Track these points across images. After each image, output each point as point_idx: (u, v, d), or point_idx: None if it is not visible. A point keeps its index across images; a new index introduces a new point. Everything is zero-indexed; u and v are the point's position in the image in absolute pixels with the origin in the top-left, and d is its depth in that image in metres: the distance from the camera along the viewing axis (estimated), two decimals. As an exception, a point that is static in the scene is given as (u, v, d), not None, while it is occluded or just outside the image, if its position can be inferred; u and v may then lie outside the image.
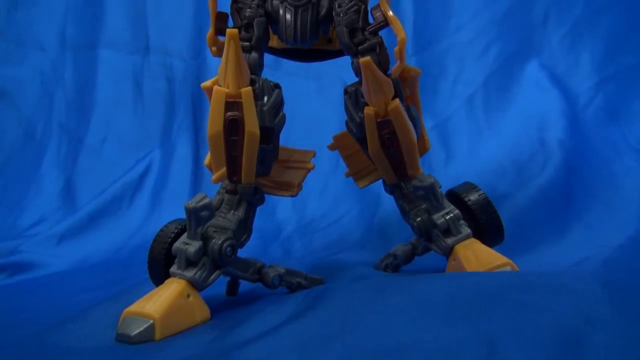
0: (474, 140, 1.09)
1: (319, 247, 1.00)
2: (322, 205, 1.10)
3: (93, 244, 1.00)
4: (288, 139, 1.01)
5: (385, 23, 0.55)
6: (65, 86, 1.26)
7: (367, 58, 0.52)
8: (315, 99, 1.14)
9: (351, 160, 0.67)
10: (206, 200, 0.54)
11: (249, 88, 0.54)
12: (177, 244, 0.54)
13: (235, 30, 0.52)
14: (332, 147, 0.67)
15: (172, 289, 0.52)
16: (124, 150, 1.21)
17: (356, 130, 0.59)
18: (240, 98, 0.53)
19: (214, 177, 0.58)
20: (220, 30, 0.58)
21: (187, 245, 0.53)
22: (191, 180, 1.17)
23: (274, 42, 0.64)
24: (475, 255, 0.55)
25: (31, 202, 1.15)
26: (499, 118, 1.10)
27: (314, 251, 0.97)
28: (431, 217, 0.58)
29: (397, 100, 0.55)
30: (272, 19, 0.58)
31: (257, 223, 0.64)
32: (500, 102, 1.11)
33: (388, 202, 0.69)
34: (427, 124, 1.07)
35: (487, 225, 0.60)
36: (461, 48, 1.16)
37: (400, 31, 0.53)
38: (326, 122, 1.14)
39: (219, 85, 0.54)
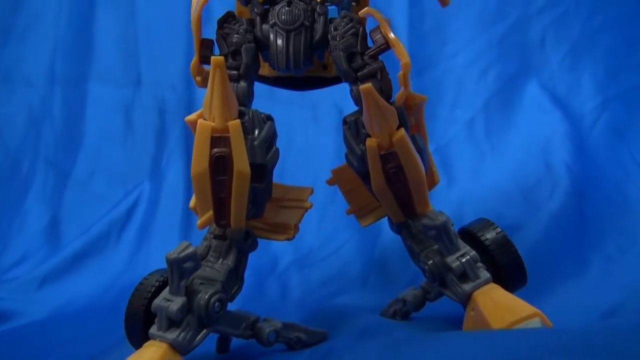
0: (476, 163, 1.01)
1: (317, 283, 0.91)
2: (319, 236, 1.01)
3: (76, 287, 0.91)
4: (282, 172, 0.94)
5: (387, 46, 0.49)
6: (54, 121, 1.19)
7: (368, 85, 0.45)
8: (311, 128, 1.07)
9: (352, 196, 0.59)
10: (190, 250, 0.46)
11: (237, 121, 0.46)
12: (158, 301, 0.46)
13: (221, 58, 0.46)
14: (330, 182, 0.60)
15: (150, 355, 0.44)
16: (111, 184, 1.13)
17: (357, 164, 0.52)
18: (228, 133, 0.46)
19: (199, 221, 0.50)
20: (205, 59, 0.50)
21: (169, 302, 0.45)
22: (182, 216, 1.09)
23: (265, 69, 0.57)
24: (498, 304, 0.47)
25: (14, 239, 1.06)
26: (501, 141, 1.03)
27: (313, 289, 0.88)
28: (445, 259, 0.50)
29: (403, 130, 0.48)
30: (262, 45, 0.52)
31: (251, 256, 0.56)
32: (501, 125, 1.04)
33: (389, 231, 0.63)
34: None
35: (507, 267, 0.53)
36: (458, 72, 1.10)
37: (404, 55, 0.47)
38: (323, 154, 1.08)
39: (204, 119, 0.48)
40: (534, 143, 1.01)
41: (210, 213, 0.49)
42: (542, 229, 0.78)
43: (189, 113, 1.15)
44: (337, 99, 1.03)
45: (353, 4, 0.56)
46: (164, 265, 0.48)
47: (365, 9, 0.48)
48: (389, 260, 0.91)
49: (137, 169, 1.16)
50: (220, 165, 0.46)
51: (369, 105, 0.46)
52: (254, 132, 0.49)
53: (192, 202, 0.52)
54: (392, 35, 0.47)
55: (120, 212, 1.09)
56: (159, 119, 1.19)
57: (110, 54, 1.20)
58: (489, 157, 1.00)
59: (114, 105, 1.19)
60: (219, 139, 0.46)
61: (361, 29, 0.49)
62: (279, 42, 0.49)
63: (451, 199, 0.94)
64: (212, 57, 0.45)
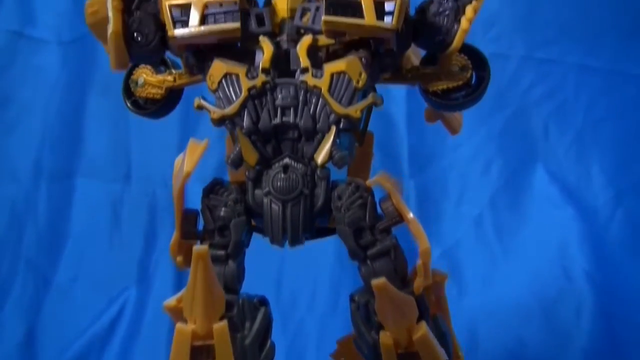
0: (487, 269, 0.91)
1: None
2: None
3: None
4: (280, 280, 0.83)
5: (399, 219, 0.41)
6: (37, 218, 1.09)
7: (381, 281, 0.35)
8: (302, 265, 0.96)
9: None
10: None
11: (224, 324, 0.36)
12: None
13: (205, 249, 0.37)
14: (336, 357, 0.51)
15: None
16: (95, 290, 1.01)
17: (368, 352, 0.42)
18: (212, 339, 0.38)
19: None
20: (187, 234, 0.41)
21: None
22: (169, 328, 0.98)
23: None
24: None
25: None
26: (513, 242, 0.94)
27: None
28: None
29: (424, 326, 0.37)
30: (254, 214, 0.45)
31: None
32: (511, 223, 0.95)
33: None
34: (433, 252, 0.92)
35: None
36: (461, 166, 1.02)
37: (423, 239, 0.37)
38: (322, 257, 1.00)
39: (184, 316, 0.39)
40: (548, 245, 0.91)
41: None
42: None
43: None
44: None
45: (356, 144, 0.49)
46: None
47: (374, 178, 0.41)
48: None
49: (123, 273, 1.05)
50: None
51: (384, 302, 0.37)
52: (244, 328, 0.39)
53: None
54: (410, 215, 0.38)
55: (102, 325, 0.97)
56: (148, 217, 1.10)
57: (99, 147, 1.13)
58: (501, 262, 0.90)
59: (102, 201, 1.10)
60: (200, 350, 0.37)
61: (369, 198, 0.41)
62: (274, 213, 0.41)
63: (463, 314, 0.84)
64: (194, 248, 0.37)
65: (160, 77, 0.50)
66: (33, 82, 1.14)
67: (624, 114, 1.03)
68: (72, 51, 1.15)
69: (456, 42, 0.44)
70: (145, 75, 0.50)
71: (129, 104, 0.52)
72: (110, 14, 0.43)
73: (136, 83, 0.51)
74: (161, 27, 0.43)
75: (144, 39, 0.43)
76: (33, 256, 1.06)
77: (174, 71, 0.50)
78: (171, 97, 0.51)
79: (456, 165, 0.99)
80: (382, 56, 0.43)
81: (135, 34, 0.43)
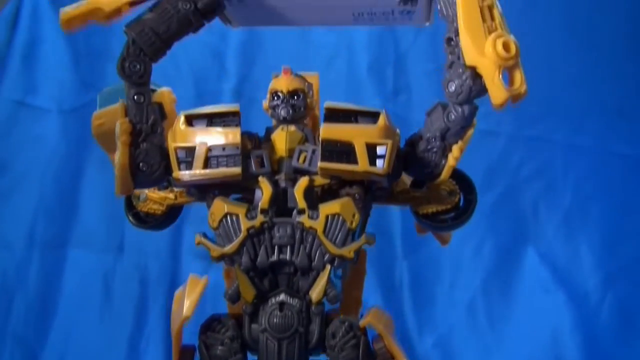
0: (481, 359, 0.93)
1: None
2: None
3: None
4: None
5: (391, 360, 0.43)
6: (27, 290, 1.09)
7: None
8: None
9: None
10: None
11: None
12: None
13: None
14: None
15: None
16: (84, 369, 1.02)
17: None
18: None
19: None
20: None
21: None
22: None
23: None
24: None
25: None
26: (505, 329, 0.94)
27: None
28: None
29: None
30: (251, 347, 0.46)
31: None
32: (504, 309, 0.96)
33: None
34: (427, 340, 0.92)
35: None
36: (454, 246, 1.04)
37: None
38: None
39: None
40: (540, 333, 0.92)
41: None
42: None
43: (173, 285, 1.09)
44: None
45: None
46: None
47: (367, 319, 0.43)
48: None
49: (113, 348, 1.04)
50: None
51: None
52: None
53: None
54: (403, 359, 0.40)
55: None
56: (140, 290, 1.09)
57: (94, 217, 1.14)
58: (494, 351, 0.91)
59: (93, 272, 1.10)
60: None
61: (363, 338, 0.43)
62: (270, 349, 0.42)
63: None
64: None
65: (162, 193, 0.53)
66: (31, 150, 1.16)
67: (611, 193, 1.06)
68: (71, 120, 1.18)
69: (444, 176, 0.47)
70: (147, 190, 0.53)
71: (130, 217, 0.54)
72: (118, 146, 0.46)
73: (138, 197, 0.54)
74: (166, 157, 0.46)
75: (149, 169, 0.46)
76: (21, 330, 1.05)
77: (175, 189, 0.53)
78: (171, 213, 0.54)
79: (449, 246, 1.01)
80: (374, 190, 0.46)
81: (141, 165, 0.46)
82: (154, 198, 0.53)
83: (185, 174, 0.43)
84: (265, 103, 0.48)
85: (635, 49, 1.11)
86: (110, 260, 1.10)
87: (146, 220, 0.54)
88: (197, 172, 0.43)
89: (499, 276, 0.98)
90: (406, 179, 0.53)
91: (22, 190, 1.16)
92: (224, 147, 0.43)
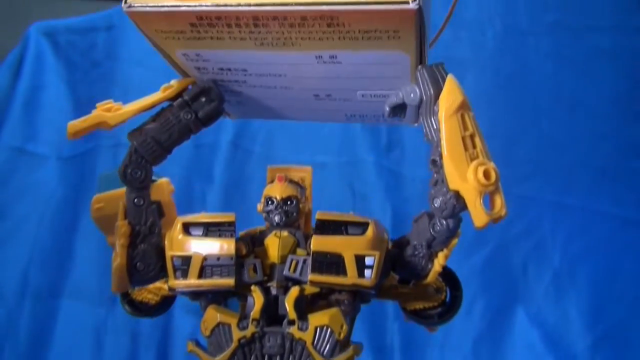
0: None
1: None
2: None
3: None
4: None
5: None
6: (18, 340, 1.09)
7: None
8: None
9: None
10: None
11: None
12: None
13: None
14: None
15: None
16: None
17: None
18: None
19: None
20: None
21: None
22: None
23: None
24: None
25: None
26: None
27: None
28: None
29: None
30: None
31: None
32: None
33: None
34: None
35: None
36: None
37: None
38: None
39: None
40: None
41: None
42: None
43: (164, 340, 1.09)
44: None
45: None
46: None
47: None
48: None
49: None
50: None
51: None
52: None
53: None
54: None
55: None
56: (131, 344, 1.09)
57: (87, 268, 1.14)
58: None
59: (85, 325, 1.10)
60: None
61: None
62: None
63: None
64: None
65: (157, 284, 0.54)
66: (29, 197, 1.17)
67: (597, 253, 1.08)
68: (70, 167, 1.19)
69: (430, 278, 0.49)
70: (143, 280, 0.54)
71: (125, 305, 0.56)
72: (116, 247, 0.48)
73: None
74: (162, 257, 0.48)
75: (146, 269, 0.48)
76: (9, 384, 1.04)
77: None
78: (165, 302, 0.55)
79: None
80: (362, 294, 0.48)
81: (138, 265, 0.48)
82: (149, 288, 0.55)
83: (180, 283, 0.45)
84: (260, 206, 0.50)
85: (618, 111, 1.15)
86: (102, 312, 1.10)
87: (140, 309, 0.55)
88: (191, 282, 0.45)
89: (489, 338, 0.99)
90: (394, 274, 0.56)
91: (18, 238, 1.17)
92: (218, 257, 0.45)
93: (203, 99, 0.48)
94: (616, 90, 1.16)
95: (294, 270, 0.46)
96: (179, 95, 0.49)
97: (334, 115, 0.56)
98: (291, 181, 0.50)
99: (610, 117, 1.15)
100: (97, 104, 0.48)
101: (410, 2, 0.36)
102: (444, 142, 0.42)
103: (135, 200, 0.48)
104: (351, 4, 0.37)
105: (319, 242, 0.45)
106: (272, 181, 0.56)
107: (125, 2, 0.41)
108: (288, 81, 0.48)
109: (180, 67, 0.49)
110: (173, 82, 0.49)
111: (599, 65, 1.18)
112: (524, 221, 1.11)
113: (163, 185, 0.57)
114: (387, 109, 0.48)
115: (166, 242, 0.47)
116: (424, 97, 0.44)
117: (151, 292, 0.54)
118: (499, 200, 0.42)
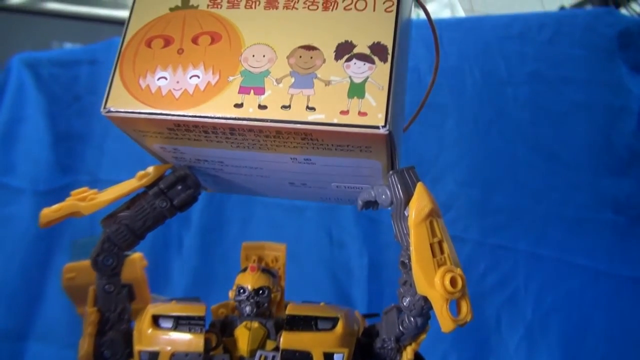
0: None
1: None
2: None
3: None
4: None
5: None
6: (-20, 388, 1.07)
7: None
8: None
9: None
10: None
11: None
12: None
13: None
14: None
15: None
16: None
17: None
18: None
19: None
20: None
21: None
22: None
23: None
24: None
25: None
26: None
27: None
28: None
29: None
30: None
31: None
32: None
33: None
34: None
35: None
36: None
37: None
38: None
39: None
40: None
41: None
42: None
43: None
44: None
45: None
46: None
47: None
48: None
49: None
50: None
51: None
52: None
53: None
54: None
55: None
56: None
57: (57, 309, 1.12)
58: None
59: (53, 369, 1.09)
60: None
61: None
62: None
63: None
64: None
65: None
66: (1, 231, 1.15)
67: (570, 306, 1.10)
68: (46, 202, 1.15)
69: (399, 369, 0.49)
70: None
71: None
72: (83, 334, 0.48)
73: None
74: (130, 344, 0.48)
75: (112, 357, 0.48)
76: None
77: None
78: None
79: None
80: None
81: (104, 352, 0.47)
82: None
83: (146, 380, 0.45)
84: (231, 293, 0.50)
85: (590, 163, 1.19)
86: (71, 356, 1.07)
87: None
88: (159, 378, 0.45)
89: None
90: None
91: (-13, 276, 1.14)
92: (187, 354, 0.45)
93: (179, 187, 0.49)
94: (590, 142, 1.20)
95: (263, 362, 0.46)
96: (155, 183, 0.49)
97: (310, 196, 0.57)
98: (264, 270, 0.50)
99: (584, 168, 1.18)
100: (72, 192, 0.49)
101: (381, 127, 0.38)
102: (412, 248, 0.43)
103: (106, 287, 0.48)
104: (324, 124, 0.38)
105: (288, 340, 0.45)
106: (246, 258, 0.57)
107: (105, 107, 0.41)
108: (264, 172, 0.49)
109: (157, 155, 0.49)
110: (150, 169, 0.50)
111: (574, 116, 1.22)
112: (498, 272, 1.13)
113: (135, 261, 0.57)
114: (360, 203, 0.49)
115: (135, 333, 0.47)
116: (394, 201, 0.45)
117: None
118: (465, 307, 0.43)
